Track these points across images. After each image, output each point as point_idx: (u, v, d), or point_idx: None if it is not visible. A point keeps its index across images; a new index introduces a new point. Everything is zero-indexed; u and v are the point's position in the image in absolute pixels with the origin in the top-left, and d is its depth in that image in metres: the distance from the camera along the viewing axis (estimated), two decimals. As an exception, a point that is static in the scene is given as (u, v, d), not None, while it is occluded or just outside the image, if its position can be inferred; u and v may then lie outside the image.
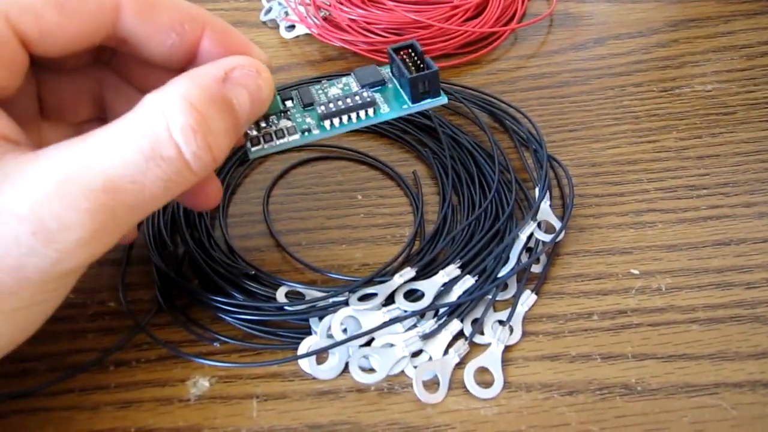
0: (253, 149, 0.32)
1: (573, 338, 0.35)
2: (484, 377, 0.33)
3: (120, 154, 0.24)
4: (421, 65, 0.32)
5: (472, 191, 0.40)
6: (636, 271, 0.37)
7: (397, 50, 0.33)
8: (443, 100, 0.33)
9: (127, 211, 0.25)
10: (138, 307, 0.37)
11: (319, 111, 0.32)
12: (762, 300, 0.36)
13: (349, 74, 0.34)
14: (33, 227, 0.23)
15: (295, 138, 0.32)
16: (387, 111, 0.33)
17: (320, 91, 0.33)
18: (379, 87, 0.33)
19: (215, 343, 0.35)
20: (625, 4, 0.55)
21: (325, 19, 0.52)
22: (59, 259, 0.24)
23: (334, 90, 0.33)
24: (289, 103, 0.33)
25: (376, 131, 0.45)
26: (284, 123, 0.32)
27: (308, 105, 0.33)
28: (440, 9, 0.50)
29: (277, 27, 0.54)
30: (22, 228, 0.23)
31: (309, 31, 0.52)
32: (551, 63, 0.50)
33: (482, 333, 0.35)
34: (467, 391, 0.33)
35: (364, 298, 0.35)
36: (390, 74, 0.34)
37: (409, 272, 0.35)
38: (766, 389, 0.33)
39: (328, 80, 0.34)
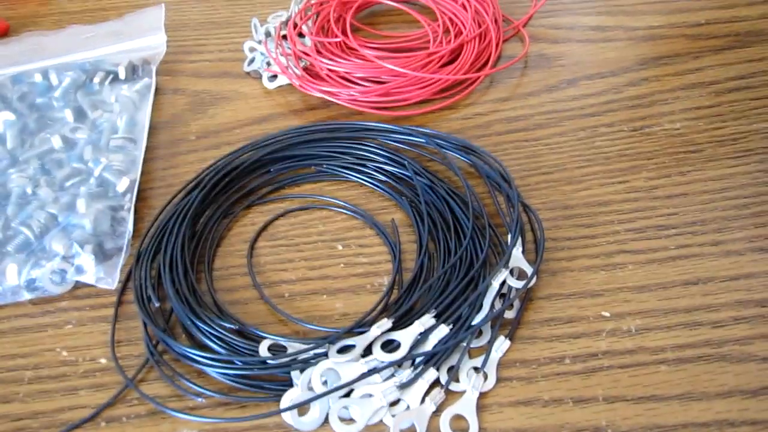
0: None
1: (546, 383, 0.36)
2: (459, 424, 0.34)
3: None
4: None
5: (448, 238, 0.42)
6: (607, 314, 0.39)
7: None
8: None
9: None
10: (129, 363, 0.38)
11: None
12: (728, 338, 0.37)
13: None
14: None
15: None
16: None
17: None
18: None
19: (200, 399, 0.36)
20: (597, 43, 0.57)
21: (305, 69, 0.54)
22: None
23: None
24: None
25: (356, 180, 0.47)
26: None
27: None
28: (416, 57, 0.52)
29: (260, 77, 0.56)
30: None
31: (290, 82, 0.53)
32: (525, 105, 0.52)
33: (458, 380, 0.36)
34: (442, 439, 0.34)
35: (343, 350, 0.36)
36: None
37: (386, 323, 0.37)
38: (733, 428, 0.34)
39: None
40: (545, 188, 0.46)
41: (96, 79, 0.54)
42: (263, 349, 0.36)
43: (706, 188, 0.45)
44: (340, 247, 0.43)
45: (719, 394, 0.35)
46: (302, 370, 0.35)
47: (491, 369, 0.36)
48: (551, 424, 0.34)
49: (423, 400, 0.35)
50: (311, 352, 0.36)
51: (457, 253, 0.40)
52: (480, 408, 0.35)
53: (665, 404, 0.35)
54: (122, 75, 0.55)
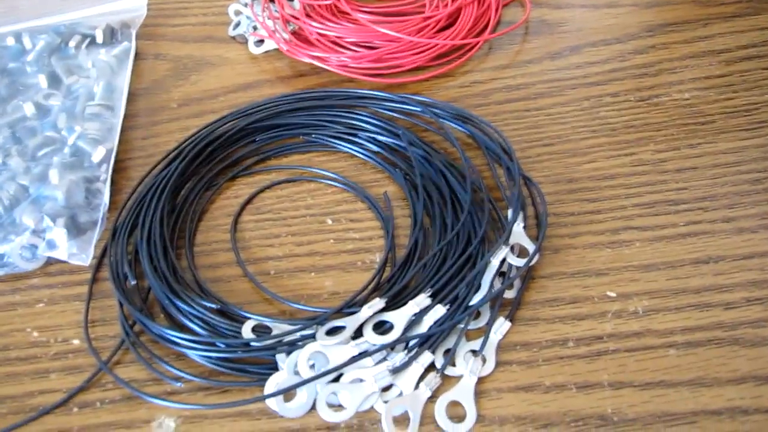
0: None
1: (548, 367, 0.34)
2: (456, 411, 0.32)
3: None
4: None
5: (445, 212, 0.39)
6: (612, 294, 0.36)
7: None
8: None
9: None
10: (103, 344, 0.36)
11: None
12: (741, 321, 0.35)
13: None
14: None
15: None
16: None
17: None
18: None
19: (179, 384, 0.34)
20: (601, 9, 0.54)
21: (293, 33, 0.51)
22: None
23: None
24: None
25: (347, 151, 0.44)
26: None
27: None
28: (411, 21, 0.49)
29: (246, 42, 0.52)
30: None
31: (278, 46, 0.50)
32: (526, 73, 0.49)
33: (454, 364, 0.34)
34: (438, 426, 0.32)
35: (332, 332, 0.34)
36: None
37: (378, 303, 0.34)
38: (746, 416, 0.32)
39: None
40: (547, 160, 0.43)
41: (72, 43, 0.51)
42: (247, 331, 0.34)
43: (718, 162, 0.43)
44: (330, 222, 0.41)
45: (731, 380, 0.33)
46: (288, 353, 0.33)
47: (490, 352, 0.34)
48: (553, 411, 0.32)
49: (417, 386, 0.33)
50: (298, 334, 0.34)
51: (454, 229, 0.38)
52: (478, 394, 0.33)
53: (674, 390, 0.33)
54: (100, 39, 0.52)
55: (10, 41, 0.52)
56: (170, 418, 0.33)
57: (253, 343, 0.33)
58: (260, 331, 0.34)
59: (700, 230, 0.39)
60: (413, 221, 0.39)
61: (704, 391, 0.33)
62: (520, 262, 0.36)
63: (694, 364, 0.34)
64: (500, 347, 0.35)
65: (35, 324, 0.37)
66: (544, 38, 0.52)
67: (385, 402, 0.32)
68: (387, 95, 0.45)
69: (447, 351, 0.34)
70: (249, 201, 0.42)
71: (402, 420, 0.32)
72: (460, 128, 0.44)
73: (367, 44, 0.49)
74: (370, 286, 0.36)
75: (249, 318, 0.35)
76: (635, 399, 0.32)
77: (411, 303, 0.34)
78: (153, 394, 0.33)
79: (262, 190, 0.42)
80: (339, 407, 0.32)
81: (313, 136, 0.44)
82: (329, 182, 0.43)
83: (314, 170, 0.43)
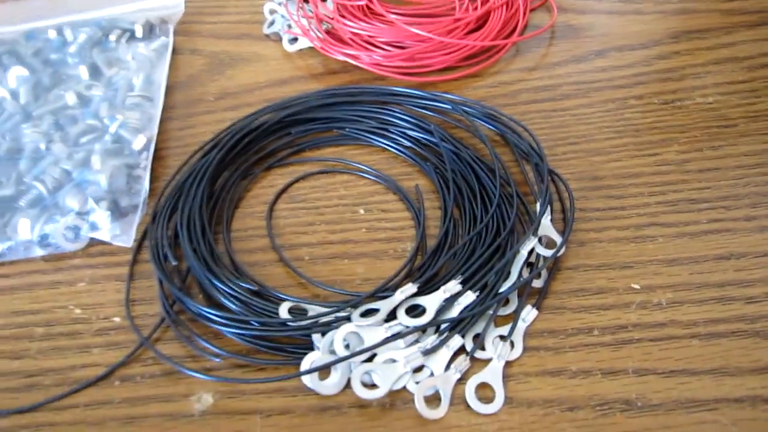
0: None
1: (574, 354, 0.35)
2: (485, 393, 0.33)
3: None
4: None
5: (474, 205, 0.40)
6: (637, 286, 0.37)
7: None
8: None
9: None
10: (143, 322, 0.37)
11: None
12: (763, 315, 0.36)
13: None
14: None
15: None
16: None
17: None
18: None
19: (218, 359, 0.35)
20: (627, 16, 0.55)
21: (327, 32, 0.52)
22: None
23: None
24: None
25: (379, 145, 0.45)
26: None
27: None
28: (442, 22, 0.50)
29: (280, 40, 0.54)
30: None
31: (312, 44, 0.52)
32: (553, 75, 0.50)
33: (483, 348, 0.35)
34: (468, 406, 0.33)
35: (366, 314, 0.35)
36: None
37: (410, 288, 0.35)
38: (766, 404, 0.33)
39: None
40: (573, 158, 0.44)
41: (112, 37, 0.53)
42: (284, 311, 0.35)
43: (739, 163, 0.44)
44: (362, 212, 0.42)
45: (753, 370, 0.34)
46: (323, 334, 0.34)
47: (518, 338, 0.35)
48: (580, 395, 0.33)
49: (447, 368, 0.34)
50: (333, 315, 0.35)
51: (483, 221, 0.39)
52: (506, 377, 0.34)
53: (697, 379, 0.34)
54: (139, 33, 0.53)
55: (52, 34, 0.53)
56: (208, 393, 0.34)
57: (290, 323, 0.35)
58: (296, 312, 0.36)
59: (722, 228, 0.40)
60: (443, 212, 0.41)
61: (726, 380, 0.34)
62: (548, 252, 0.37)
63: (716, 354, 0.35)
64: (528, 334, 0.36)
65: (77, 302, 0.38)
66: (569, 42, 0.53)
67: (417, 382, 0.33)
68: (418, 92, 0.46)
69: (476, 336, 0.35)
70: (284, 190, 0.43)
71: (432, 400, 0.33)
72: (488, 126, 0.45)
73: (398, 44, 0.51)
74: (402, 273, 0.38)
75: (285, 299, 0.36)
76: (659, 386, 0.33)
77: (442, 288, 0.35)
78: (193, 369, 0.34)
79: (296, 180, 0.44)
80: (372, 386, 0.33)
81: (347, 130, 0.46)
82: (362, 174, 0.44)
83: (347, 162, 0.45)
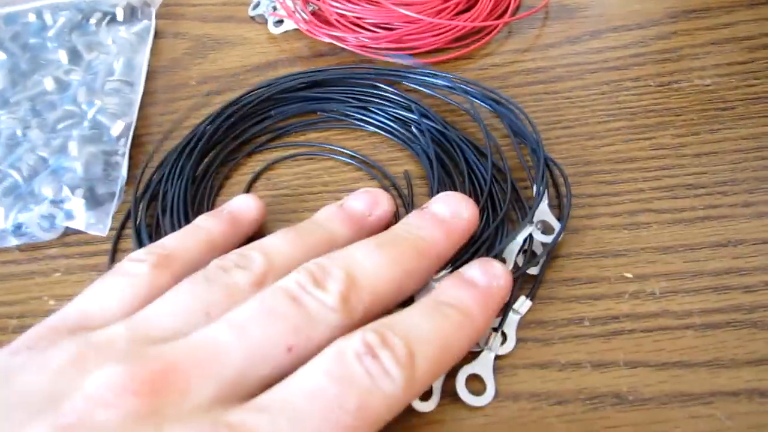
0: None
1: (563, 345, 0.34)
2: (473, 385, 0.32)
3: None
4: None
5: (462, 189, 0.39)
6: (629, 275, 0.36)
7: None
8: None
9: None
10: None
11: None
12: (760, 304, 0.35)
13: None
14: None
15: None
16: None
17: None
18: None
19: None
20: (624, -5, 0.54)
21: (313, 13, 0.51)
22: None
23: None
24: None
25: (363, 128, 0.44)
26: None
27: None
28: (431, 2, 0.49)
29: (266, 22, 0.53)
30: None
31: (297, 26, 0.50)
32: (546, 57, 0.49)
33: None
34: (454, 399, 0.32)
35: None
36: None
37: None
38: (763, 398, 0.31)
39: None
40: (566, 143, 0.43)
41: (92, 20, 0.51)
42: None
43: (738, 147, 0.42)
44: (347, 199, 0.40)
45: (749, 362, 0.33)
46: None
47: (511, 330, 0.34)
48: (568, 389, 0.32)
49: (434, 360, 0.33)
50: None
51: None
52: (496, 369, 0.33)
53: (691, 371, 0.32)
54: (120, 16, 0.52)
55: (32, 17, 0.52)
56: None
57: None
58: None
59: (719, 214, 0.39)
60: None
61: (722, 372, 0.32)
62: (547, 238, 0.36)
63: (711, 345, 0.33)
64: (529, 320, 0.34)
65: (52, 292, 0.37)
66: (564, 23, 0.52)
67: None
68: (410, 72, 0.45)
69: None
70: (261, 172, 0.42)
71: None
72: (485, 106, 0.44)
73: (386, 26, 0.49)
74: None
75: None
76: (651, 378, 0.32)
77: (431, 281, 0.34)
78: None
79: (274, 163, 0.42)
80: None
81: (332, 112, 0.44)
82: (347, 159, 0.43)
83: (331, 146, 0.43)
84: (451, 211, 0.33)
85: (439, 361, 0.28)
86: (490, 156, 0.39)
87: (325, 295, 0.28)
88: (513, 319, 0.34)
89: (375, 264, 0.29)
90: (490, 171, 0.39)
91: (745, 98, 0.45)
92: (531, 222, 0.36)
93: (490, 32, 0.50)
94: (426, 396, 0.31)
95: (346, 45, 0.48)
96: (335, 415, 0.24)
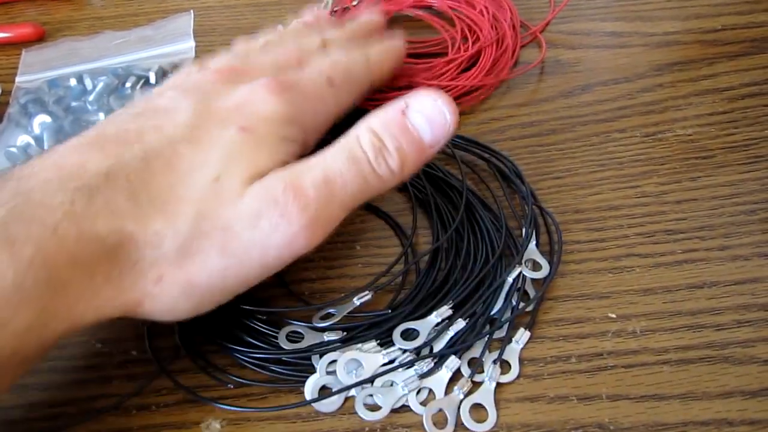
0: None
1: (552, 380, 0.38)
2: (477, 413, 0.36)
3: (333, 157, 0.35)
4: None
5: (470, 243, 0.43)
6: (613, 315, 0.40)
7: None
8: None
9: (335, 204, 0.34)
10: (159, 355, 0.40)
11: None
12: (731, 341, 0.39)
13: None
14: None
15: None
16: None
17: None
18: None
19: (229, 385, 0.38)
20: (613, 49, 0.58)
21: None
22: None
23: None
24: None
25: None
26: None
27: None
28: (435, 64, 0.54)
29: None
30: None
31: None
32: (540, 111, 0.53)
33: (482, 371, 0.38)
34: (459, 427, 0.36)
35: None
36: None
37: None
38: (731, 427, 0.35)
39: None
40: (557, 192, 0.47)
41: (128, 84, 0.57)
42: (282, 338, 0.39)
43: (716, 194, 0.46)
44: (359, 248, 0.45)
45: (720, 395, 0.36)
46: (321, 355, 0.38)
47: (513, 360, 0.38)
48: (556, 420, 0.36)
49: (447, 389, 0.37)
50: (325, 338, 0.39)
51: (471, 253, 0.42)
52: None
53: (666, 403, 0.36)
54: (153, 80, 0.57)
55: (73, 82, 0.57)
56: (216, 420, 0.37)
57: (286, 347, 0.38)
58: (294, 337, 0.39)
59: (696, 257, 0.43)
60: (434, 240, 0.44)
61: (694, 404, 0.36)
62: (536, 274, 0.41)
63: (685, 379, 0.37)
64: (522, 359, 0.38)
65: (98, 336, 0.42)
66: (558, 77, 0.56)
67: (422, 403, 0.36)
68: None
69: (472, 359, 0.38)
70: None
71: (435, 421, 0.36)
72: (478, 158, 0.48)
73: (389, 85, 0.54)
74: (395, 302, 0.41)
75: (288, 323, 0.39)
76: (631, 410, 0.36)
77: (434, 313, 0.39)
78: (204, 397, 0.38)
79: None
80: (375, 406, 0.36)
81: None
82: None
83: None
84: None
85: None
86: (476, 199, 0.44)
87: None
88: (515, 349, 0.39)
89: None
90: (489, 220, 0.43)
91: (724, 147, 0.49)
92: (519, 264, 0.41)
93: (490, 89, 0.55)
94: (437, 425, 0.36)
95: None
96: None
